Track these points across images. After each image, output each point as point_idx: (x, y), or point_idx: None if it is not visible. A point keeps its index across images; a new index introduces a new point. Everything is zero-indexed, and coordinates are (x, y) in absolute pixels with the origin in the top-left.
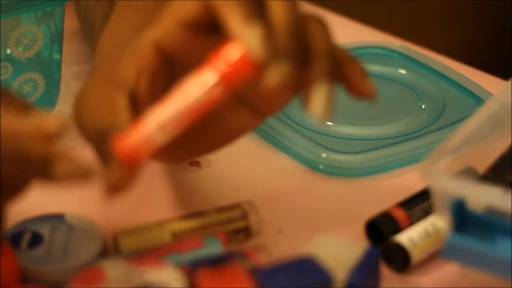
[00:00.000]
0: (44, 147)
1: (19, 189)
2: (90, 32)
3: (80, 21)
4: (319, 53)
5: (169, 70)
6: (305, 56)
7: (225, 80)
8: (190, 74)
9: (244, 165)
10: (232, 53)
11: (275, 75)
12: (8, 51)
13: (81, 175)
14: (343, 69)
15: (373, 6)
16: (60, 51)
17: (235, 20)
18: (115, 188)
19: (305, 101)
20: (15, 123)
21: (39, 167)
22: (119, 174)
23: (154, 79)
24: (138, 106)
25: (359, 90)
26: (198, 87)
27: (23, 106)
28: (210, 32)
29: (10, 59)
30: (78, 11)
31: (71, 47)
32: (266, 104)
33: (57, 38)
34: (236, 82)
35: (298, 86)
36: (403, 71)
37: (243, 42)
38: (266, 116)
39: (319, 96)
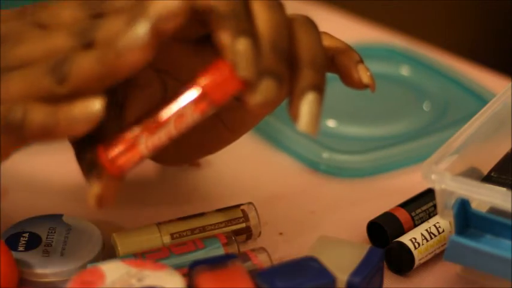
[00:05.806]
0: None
1: None
2: None
3: None
4: (307, 61)
5: (162, 83)
6: (292, 63)
7: (209, 95)
8: (179, 89)
9: (244, 166)
10: (219, 69)
11: (259, 95)
12: None
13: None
14: (337, 60)
15: (377, 2)
16: None
17: (225, 32)
18: (102, 199)
19: (292, 114)
20: None
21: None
22: (105, 185)
23: (145, 91)
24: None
25: (357, 81)
26: (182, 101)
27: None
28: (200, 43)
29: None
30: None
31: None
32: (238, 124)
33: None
34: (220, 98)
35: (279, 100)
36: (405, 71)
37: (230, 59)
38: (240, 134)
39: (306, 110)
